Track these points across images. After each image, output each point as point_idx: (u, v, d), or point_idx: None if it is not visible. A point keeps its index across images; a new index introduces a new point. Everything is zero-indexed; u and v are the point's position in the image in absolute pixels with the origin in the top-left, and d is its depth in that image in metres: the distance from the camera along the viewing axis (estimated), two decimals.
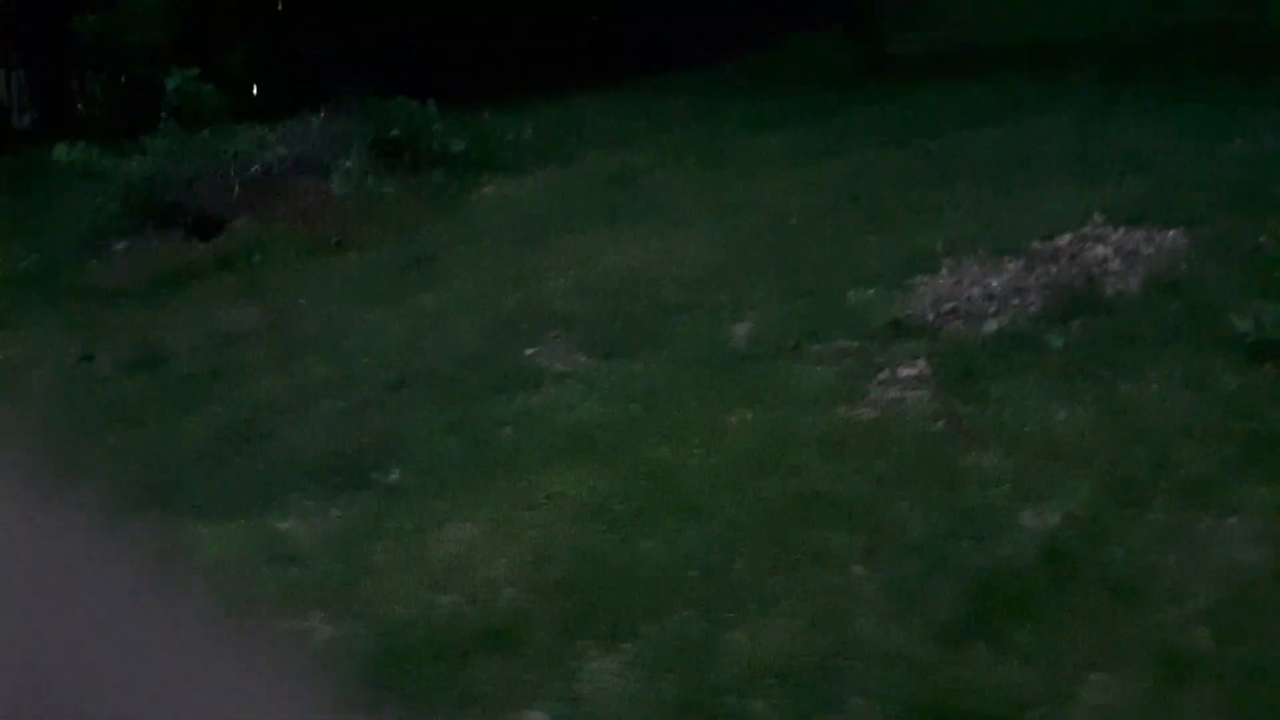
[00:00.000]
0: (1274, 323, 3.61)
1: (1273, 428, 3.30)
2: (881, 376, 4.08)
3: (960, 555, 3.05)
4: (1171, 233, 4.43)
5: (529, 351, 4.82)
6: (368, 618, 3.32)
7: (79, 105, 12.47)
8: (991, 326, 4.24)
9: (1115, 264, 4.35)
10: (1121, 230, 4.56)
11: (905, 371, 4.08)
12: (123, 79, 10.61)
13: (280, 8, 11.97)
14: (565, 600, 3.25)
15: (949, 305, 4.47)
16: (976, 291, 4.49)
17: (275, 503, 4.00)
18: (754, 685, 2.81)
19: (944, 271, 4.72)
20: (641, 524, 3.52)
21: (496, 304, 5.35)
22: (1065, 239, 4.64)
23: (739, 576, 3.21)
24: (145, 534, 3.96)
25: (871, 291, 4.71)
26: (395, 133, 7.60)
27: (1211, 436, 3.33)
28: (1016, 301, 4.35)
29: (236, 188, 7.45)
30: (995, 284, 4.50)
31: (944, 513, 3.23)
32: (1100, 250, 4.46)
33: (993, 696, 2.59)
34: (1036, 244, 4.70)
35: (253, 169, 7.54)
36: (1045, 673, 2.63)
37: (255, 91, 10.37)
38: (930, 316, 4.42)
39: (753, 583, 3.18)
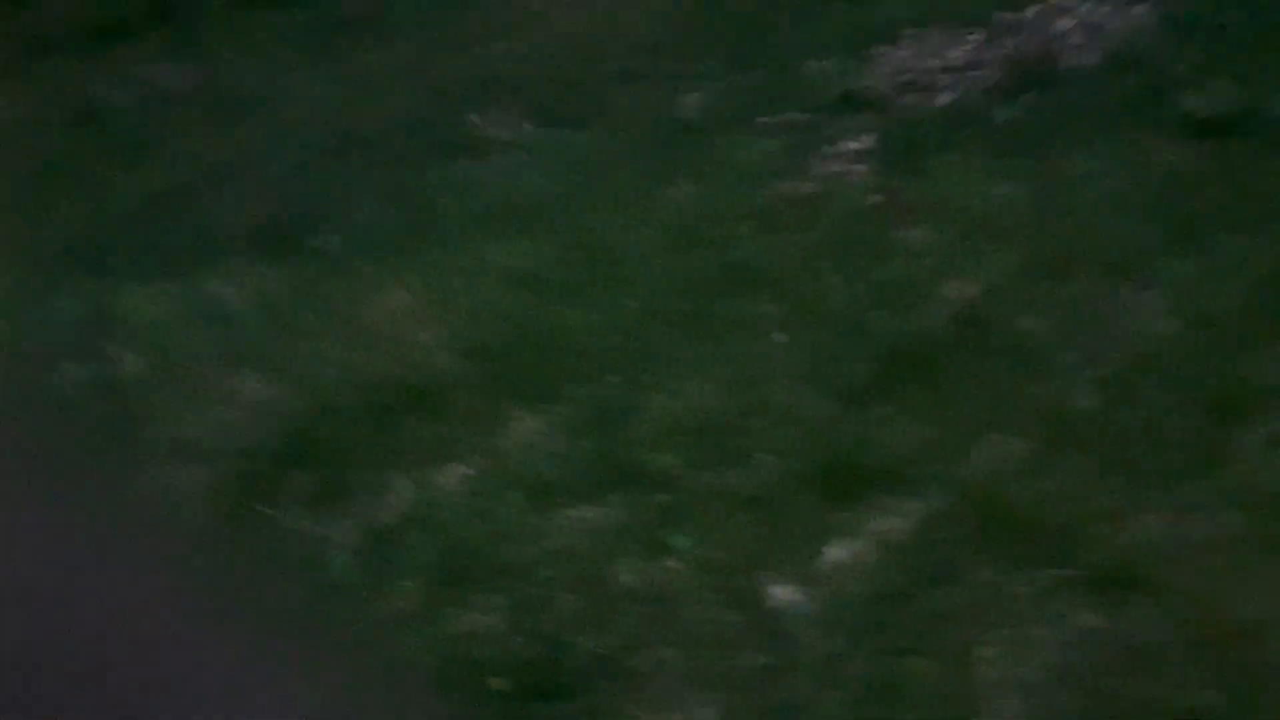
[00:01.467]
0: (1223, 101, 3.59)
1: (1204, 205, 3.36)
2: (827, 150, 4.08)
3: (877, 324, 3.17)
4: (1138, 8, 4.32)
5: (472, 118, 4.76)
6: (298, 379, 3.45)
7: None
8: (944, 99, 4.21)
9: (1077, 37, 4.27)
10: (1089, 3, 4.44)
11: (851, 145, 4.07)
12: None
13: None
14: (493, 365, 3.37)
15: (905, 78, 4.41)
16: (935, 63, 4.42)
17: (209, 266, 4.05)
18: (667, 441, 2.98)
19: (905, 42, 4.62)
20: (571, 293, 3.61)
21: (439, 67, 5.23)
22: (1031, 11, 4.52)
23: (662, 344, 3.33)
24: (78, 295, 4.03)
25: (828, 62, 4.63)
26: None
27: (1143, 213, 3.38)
28: (973, 74, 4.29)
29: None
30: (955, 55, 4.43)
31: (867, 284, 3.32)
32: (1064, 23, 4.36)
33: (890, 452, 2.76)
34: (1003, 15, 4.59)
35: None
36: (943, 432, 2.79)
37: None
38: (885, 89, 4.37)
39: (675, 350, 3.30)
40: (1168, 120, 3.68)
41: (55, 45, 6.48)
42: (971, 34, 4.52)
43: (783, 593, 2.48)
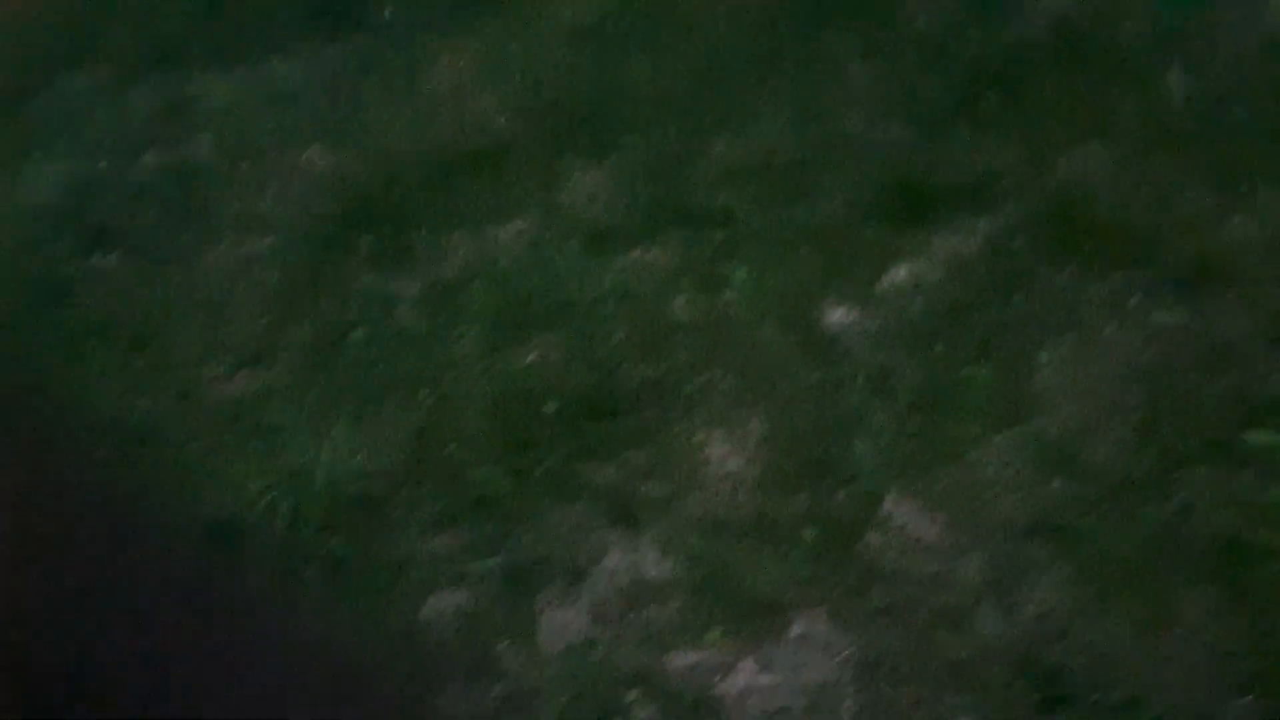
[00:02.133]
0: None
1: None
2: None
3: (965, 44, 2.95)
4: None
5: None
6: (363, 149, 3.47)
7: None
8: None
9: None
10: None
11: None
12: None
13: None
14: (552, 121, 3.31)
15: None
16: None
17: (275, 49, 4.05)
18: (729, 182, 2.89)
19: None
20: (634, 44, 3.47)
21: None
22: None
23: (728, 88, 3.19)
24: (153, 88, 4.11)
25: None
26: None
27: None
28: None
29: None
30: None
31: (955, 4, 3.08)
32: None
33: (966, 171, 2.61)
34: None
35: None
36: (1025, 148, 2.62)
37: None
38: None
39: (741, 93, 3.17)
40: None
41: None
42: None
43: (841, 315, 2.42)
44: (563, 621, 1.95)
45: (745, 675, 1.75)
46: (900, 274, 2.45)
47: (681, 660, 1.82)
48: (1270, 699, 1.52)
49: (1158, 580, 1.68)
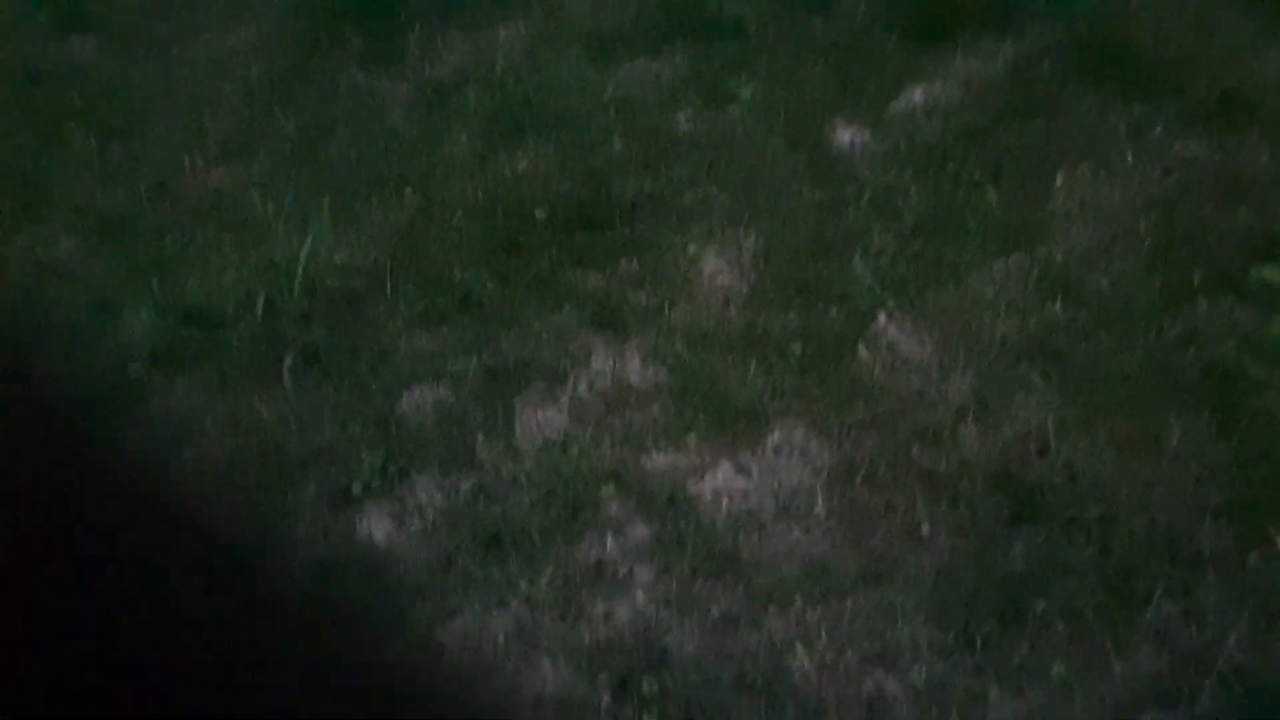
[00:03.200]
0: None
1: None
2: None
3: None
4: None
5: None
6: None
7: None
8: None
9: None
10: None
11: None
12: None
13: None
14: None
15: None
16: None
17: None
18: None
19: None
20: None
21: None
22: None
23: None
24: None
25: None
26: None
27: None
28: None
29: None
30: None
31: None
32: None
33: None
34: None
35: None
36: None
37: None
38: None
39: None
40: None
41: None
42: None
43: (850, 134, 2.38)
44: (542, 420, 1.98)
45: (721, 477, 1.79)
46: (916, 95, 2.39)
47: (658, 461, 1.86)
48: (1242, 523, 1.56)
49: (1147, 406, 1.70)
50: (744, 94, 2.63)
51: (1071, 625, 1.48)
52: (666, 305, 2.15)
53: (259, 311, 2.28)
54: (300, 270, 2.36)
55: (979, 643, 1.51)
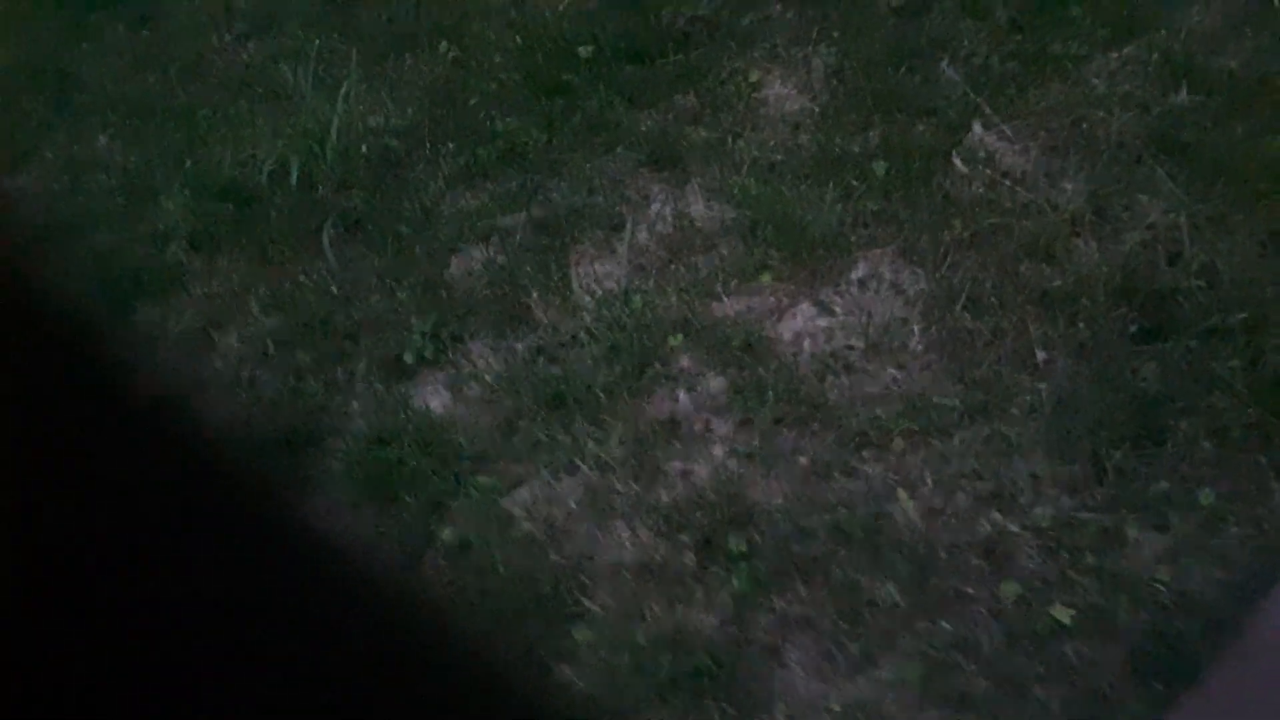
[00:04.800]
0: None
1: None
2: None
3: None
4: None
5: None
6: None
7: None
8: None
9: None
10: None
11: None
12: None
13: None
14: None
15: None
16: None
17: None
18: None
19: None
20: None
21: None
22: None
23: None
24: None
25: None
26: None
27: None
28: None
29: None
30: None
31: None
32: None
33: None
34: None
35: None
36: None
37: None
38: None
39: None
40: None
41: None
42: None
43: None
44: (600, 272, 1.82)
45: (801, 318, 1.61)
46: None
47: (730, 306, 1.69)
48: None
49: None
50: None
51: (1219, 446, 1.29)
52: (730, 138, 1.95)
53: (294, 182, 2.13)
54: (334, 136, 2.21)
55: (1111, 473, 1.32)
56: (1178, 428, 1.31)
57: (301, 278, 1.95)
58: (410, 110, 2.23)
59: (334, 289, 1.90)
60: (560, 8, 2.34)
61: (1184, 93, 1.63)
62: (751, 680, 1.31)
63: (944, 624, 1.28)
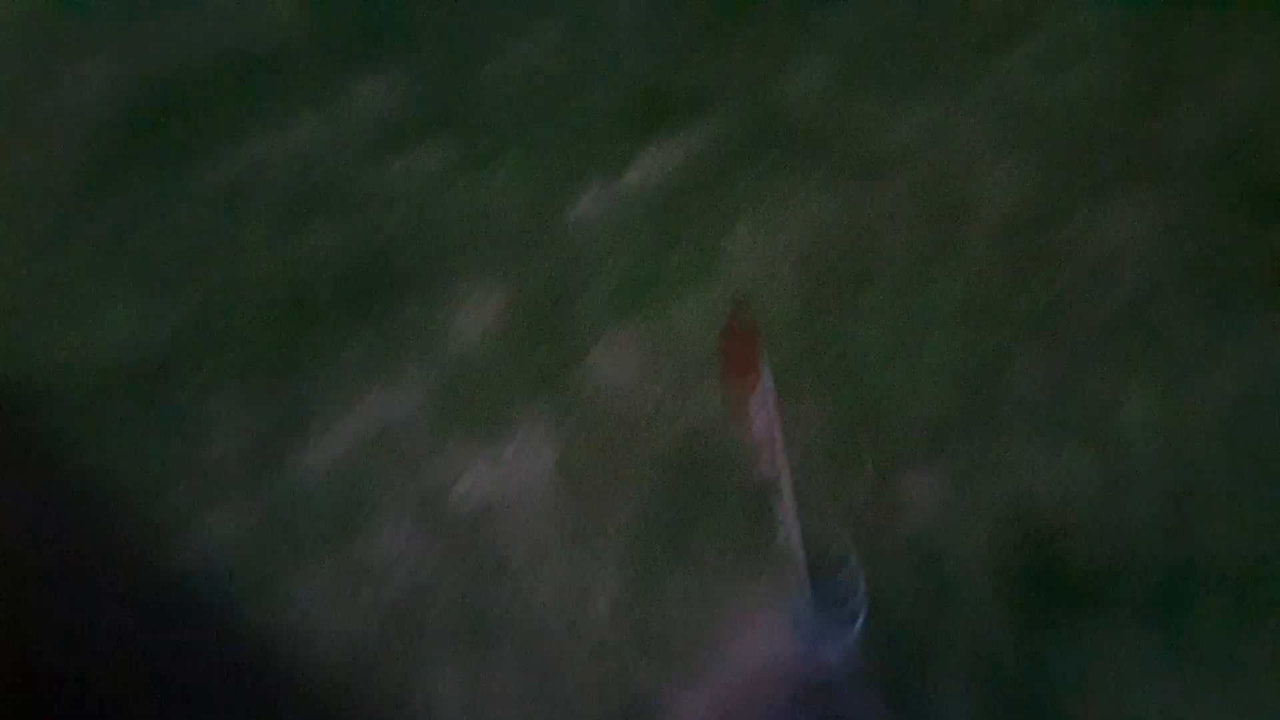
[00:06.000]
0: None
1: None
2: None
3: None
4: None
5: None
6: (150, 56, 3.74)
7: None
8: None
9: None
10: None
11: None
12: None
13: None
14: (337, 35, 3.66)
15: None
16: None
17: None
18: (503, 99, 3.34)
19: None
20: None
21: None
22: None
23: (494, 13, 3.60)
24: None
25: None
26: None
27: None
28: None
29: None
30: None
31: None
32: None
33: (702, 84, 3.11)
34: None
35: None
36: (755, 62, 3.13)
37: None
38: None
39: (505, 16, 3.58)
40: None
41: None
42: None
43: (584, 205, 2.91)
44: (323, 452, 2.41)
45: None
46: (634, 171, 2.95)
47: (428, 475, 2.30)
48: None
49: None
50: (497, 180, 3.13)
51: None
52: (431, 351, 2.60)
53: (76, 387, 2.62)
54: (102, 352, 2.72)
55: None
56: None
57: None
58: (170, 327, 2.78)
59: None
60: (306, 252, 2.99)
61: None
62: None
63: None
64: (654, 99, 3.18)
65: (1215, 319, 2.29)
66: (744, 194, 2.75)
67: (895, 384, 2.28)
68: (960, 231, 2.55)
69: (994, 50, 2.99)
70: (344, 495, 2.32)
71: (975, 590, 1.96)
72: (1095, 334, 2.31)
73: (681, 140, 3.00)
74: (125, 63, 3.76)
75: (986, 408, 2.22)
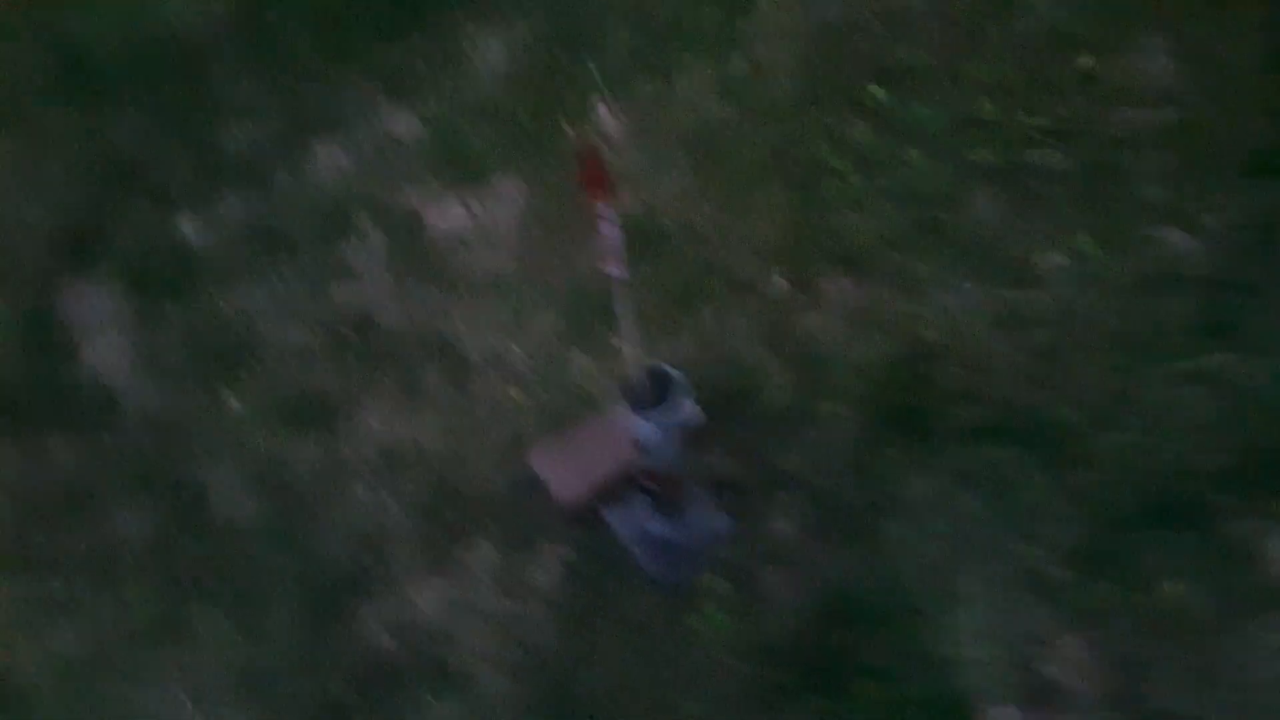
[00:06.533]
0: None
1: None
2: None
3: None
4: None
5: None
6: None
7: None
8: None
9: None
10: None
11: None
12: None
13: None
14: None
15: None
16: None
17: None
18: None
19: None
20: None
21: None
22: None
23: None
24: None
25: None
26: None
27: None
28: None
29: None
30: None
31: None
32: None
33: None
34: None
35: None
36: None
37: None
38: None
39: None
40: None
41: None
42: None
43: None
44: (328, 156, 2.59)
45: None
46: None
47: (408, 195, 2.48)
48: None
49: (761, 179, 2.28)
50: None
51: None
52: (441, 76, 2.68)
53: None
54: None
55: None
56: None
57: None
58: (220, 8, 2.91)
59: None
60: None
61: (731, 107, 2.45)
62: None
63: None
64: None
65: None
66: None
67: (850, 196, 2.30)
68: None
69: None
70: (335, 200, 2.52)
71: (845, 394, 2.09)
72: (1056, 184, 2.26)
73: None
74: None
75: (928, 233, 2.24)
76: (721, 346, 2.17)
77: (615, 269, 1.70)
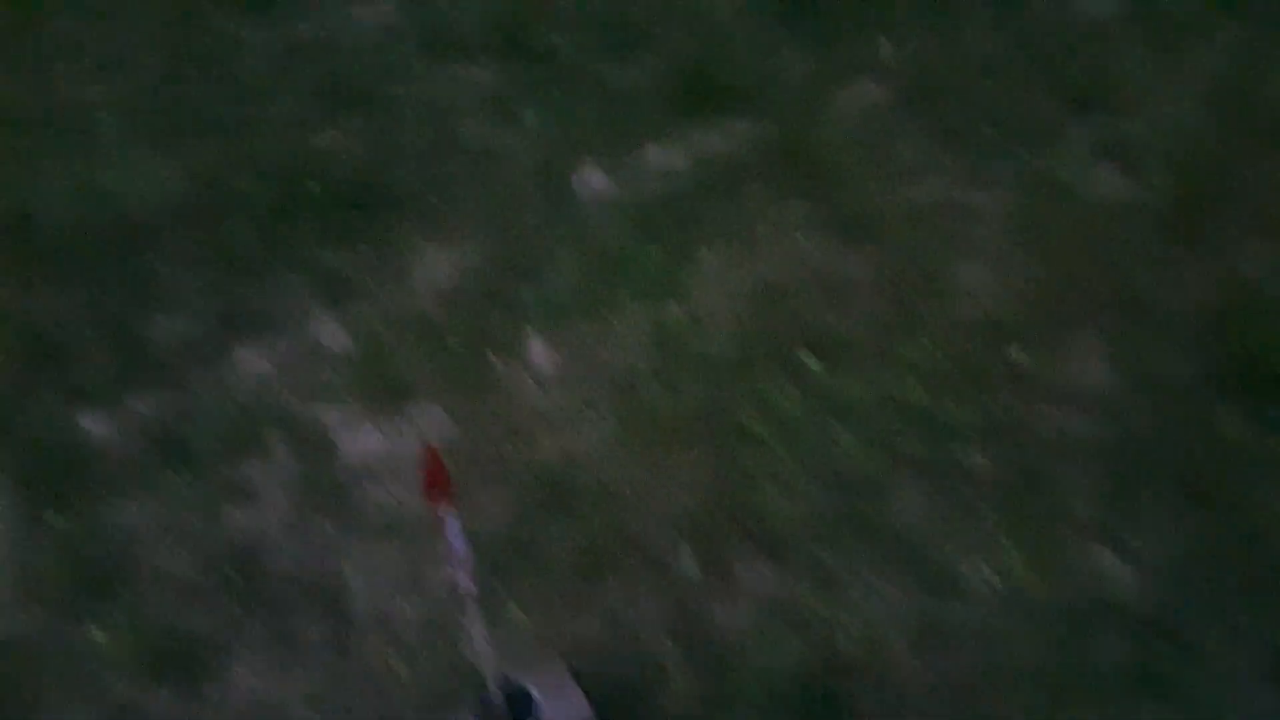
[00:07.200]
0: None
1: None
2: None
3: None
4: None
5: None
6: None
7: None
8: None
9: None
10: None
11: None
12: None
13: None
14: None
15: None
16: None
17: None
18: (566, 23, 3.23)
19: None
20: None
21: None
22: None
23: None
24: None
25: None
26: None
27: None
28: None
29: None
30: None
31: None
32: None
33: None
34: None
35: None
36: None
37: None
38: None
39: None
40: None
41: None
42: None
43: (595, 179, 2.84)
44: (250, 361, 2.49)
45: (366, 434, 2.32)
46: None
47: (324, 413, 2.37)
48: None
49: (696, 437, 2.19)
50: (527, 116, 3.05)
51: None
52: (383, 289, 2.61)
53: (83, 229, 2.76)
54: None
55: None
56: None
57: None
58: (176, 185, 2.86)
59: None
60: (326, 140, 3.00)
61: (661, 356, 2.37)
62: None
63: None
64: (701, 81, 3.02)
65: None
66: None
67: None
68: None
69: None
70: (247, 412, 2.39)
71: (748, 707, 1.88)
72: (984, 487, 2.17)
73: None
74: None
75: (852, 524, 2.13)
76: (625, 630, 2.02)
77: (464, 582, 1.54)
